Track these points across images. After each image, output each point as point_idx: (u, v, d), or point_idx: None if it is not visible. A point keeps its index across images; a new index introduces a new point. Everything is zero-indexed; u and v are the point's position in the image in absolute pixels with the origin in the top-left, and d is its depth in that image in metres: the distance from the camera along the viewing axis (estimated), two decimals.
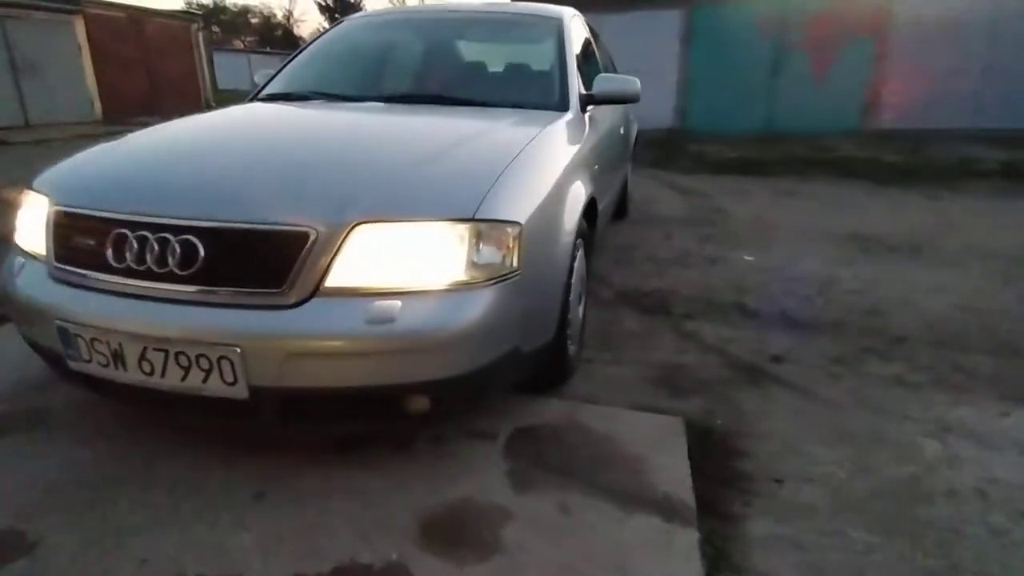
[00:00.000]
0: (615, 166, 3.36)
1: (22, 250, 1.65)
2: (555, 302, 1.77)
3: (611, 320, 2.76)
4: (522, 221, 1.51)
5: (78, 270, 1.47)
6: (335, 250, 1.36)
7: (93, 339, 1.41)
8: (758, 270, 3.48)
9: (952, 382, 2.22)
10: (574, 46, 2.71)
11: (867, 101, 9.95)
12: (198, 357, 1.34)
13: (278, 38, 43.08)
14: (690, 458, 1.69)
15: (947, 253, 3.86)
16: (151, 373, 1.38)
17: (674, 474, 1.60)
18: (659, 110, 11.01)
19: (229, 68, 25.34)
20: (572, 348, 2.08)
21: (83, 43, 10.94)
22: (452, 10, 3.08)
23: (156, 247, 1.38)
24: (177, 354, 1.35)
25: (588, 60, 3.16)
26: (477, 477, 1.57)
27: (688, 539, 1.36)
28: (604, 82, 2.54)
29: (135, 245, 1.40)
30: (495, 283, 1.45)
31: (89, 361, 1.44)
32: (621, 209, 4.63)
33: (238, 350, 1.31)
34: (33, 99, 10.10)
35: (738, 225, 4.65)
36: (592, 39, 3.72)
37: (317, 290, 1.36)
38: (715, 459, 1.73)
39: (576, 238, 1.91)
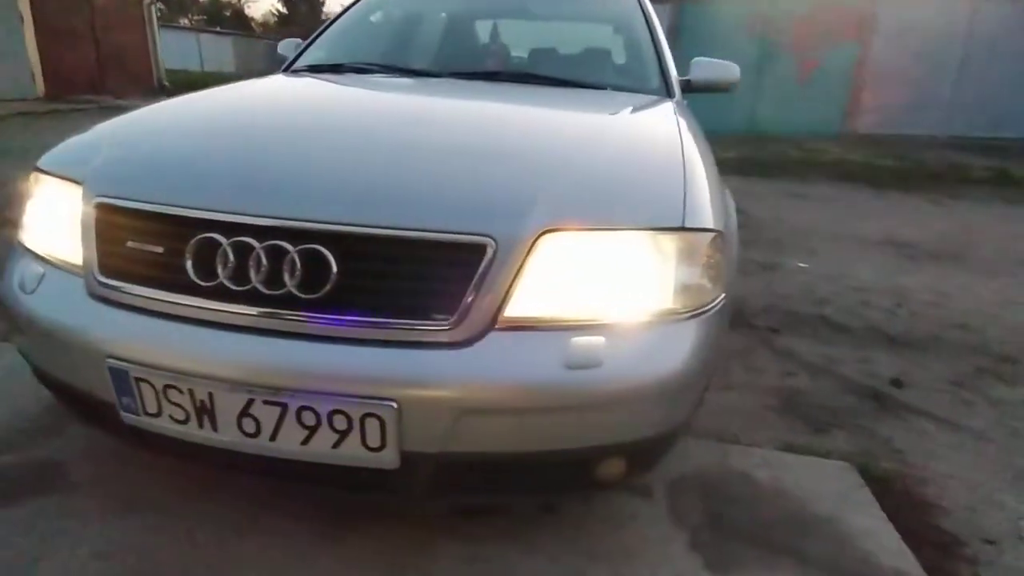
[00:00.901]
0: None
1: (38, 256, 1.20)
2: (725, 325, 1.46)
3: None
4: (722, 229, 1.18)
5: (139, 289, 1.04)
6: (518, 267, 1.00)
7: (167, 386, 0.99)
8: (819, 278, 3.27)
9: None
10: (656, 17, 2.39)
11: (849, 104, 10.08)
12: (332, 414, 0.95)
13: (227, 18, 40.91)
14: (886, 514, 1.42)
15: (989, 261, 3.77)
16: (255, 434, 0.99)
17: (884, 541, 1.31)
18: None
19: (176, 47, 23.74)
20: None
21: (26, 13, 9.83)
22: None
23: (265, 260, 0.98)
24: (300, 410, 0.96)
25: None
26: (656, 550, 1.24)
27: None
28: (702, 67, 2.24)
29: (232, 256, 0.99)
30: (703, 312, 1.12)
31: (157, 415, 1.03)
32: None
33: (394, 405, 0.94)
34: None
35: (767, 228, 4.45)
36: None
37: (495, 322, 0.99)
38: (911, 515, 1.45)
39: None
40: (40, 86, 10.28)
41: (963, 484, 1.60)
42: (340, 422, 0.96)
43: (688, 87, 2.20)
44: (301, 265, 0.97)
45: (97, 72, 11.51)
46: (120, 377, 1.02)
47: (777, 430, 1.81)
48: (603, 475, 1.09)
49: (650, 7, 2.42)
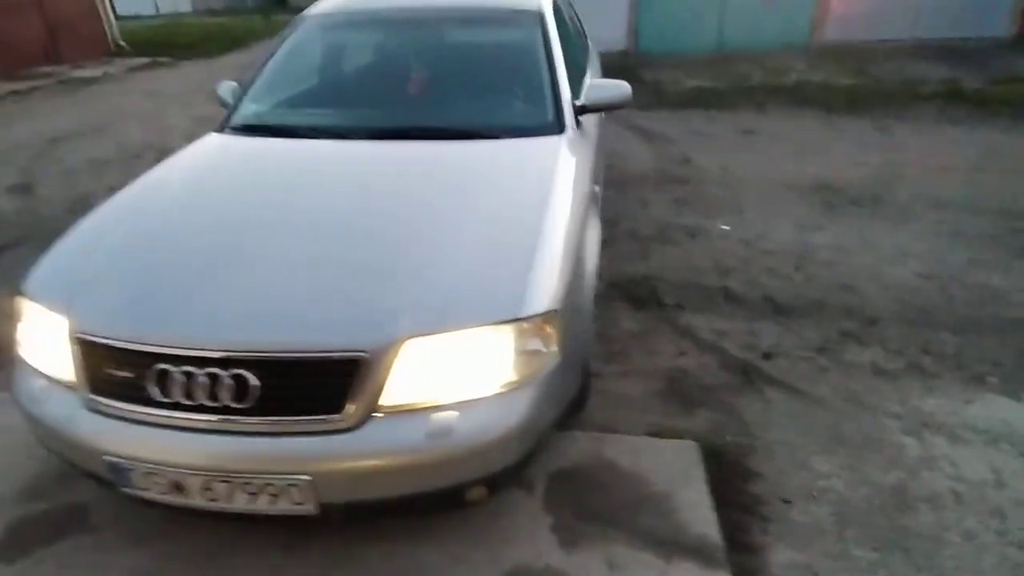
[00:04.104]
0: (604, 148, 3.34)
1: (38, 372, 1.59)
2: (584, 356, 1.86)
3: (609, 320, 2.86)
4: (559, 307, 1.55)
5: (120, 404, 1.44)
6: (387, 369, 1.39)
7: (148, 473, 1.42)
8: (737, 243, 3.61)
9: (922, 366, 2.46)
10: (558, 40, 2.61)
11: (816, 13, 9.89)
12: (265, 485, 1.38)
13: None
14: (711, 486, 1.88)
15: (903, 205, 4.08)
16: (215, 500, 1.42)
17: (701, 511, 1.78)
18: (612, 31, 10.63)
19: None
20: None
21: None
22: (419, 6, 2.85)
23: (206, 382, 1.37)
24: (244, 483, 1.39)
25: (563, 35, 3.04)
26: (527, 537, 1.71)
27: None
28: (595, 89, 2.50)
29: (181, 381, 1.38)
30: (540, 375, 1.51)
31: (146, 489, 1.46)
32: None
33: (307, 478, 1.36)
34: None
35: (708, 181, 4.72)
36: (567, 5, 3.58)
37: (374, 410, 1.40)
38: (732, 484, 1.92)
39: (596, 281, 1.97)
40: None
41: (785, 450, 2.06)
42: (272, 490, 1.39)
43: (583, 111, 2.47)
44: (232, 384, 1.37)
45: (48, 40, 11.22)
46: (114, 467, 1.44)
47: (655, 414, 2.25)
48: (470, 498, 1.53)
49: (552, 30, 2.62)
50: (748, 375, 2.46)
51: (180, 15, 23.29)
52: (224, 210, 1.90)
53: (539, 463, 1.92)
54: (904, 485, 1.90)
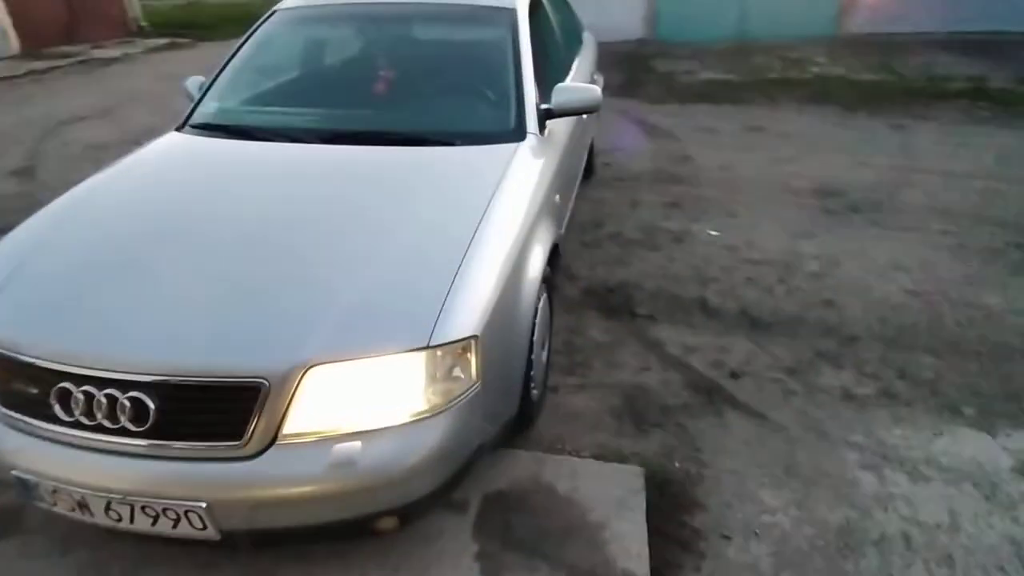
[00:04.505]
0: (580, 151, 3.25)
1: None
2: (518, 378, 1.80)
3: (577, 328, 2.80)
4: (479, 333, 1.49)
5: (26, 419, 1.43)
6: (289, 396, 1.35)
7: (54, 490, 1.41)
8: (723, 249, 3.49)
9: (894, 392, 2.35)
10: (528, 41, 2.51)
11: (843, 4, 9.51)
12: (164, 510, 1.36)
13: None
14: (650, 518, 1.81)
15: (906, 212, 3.91)
16: (119, 520, 1.41)
17: (632, 544, 1.72)
18: (627, 18, 10.39)
19: None
20: (535, 393, 2.14)
21: None
22: (390, 1, 2.77)
23: (104, 402, 1.35)
24: (143, 506, 1.37)
25: (544, 31, 2.95)
26: (450, 566, 1.67)
27: None
28: (563, 93, 2.40)
29: (81, 399, 1.36)
30: (455, 403, 1.46)
31: (55, 505, 1.45)
32: (588, 169, 4.52)
33: (203, 504, 1.34)
34: None
35: (705, 181, 4.58)
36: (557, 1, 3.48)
37: (276, 439, 1.36)
38: (672, 516, 1.85)
39: (538, 298, 1.91)
40: (14, 43, 10.29)
41: (734, 480, 1.98)
42: (171, 515, 1.37)
43: (549, 115, 2.39)
44: (129, 406, 1.34)
45: (70, 20, 11.37)
46: (23, 482, 1.44)
47: (606, 433, 2.18)
48: (380, 528, 1.49)
49: (523, 30, 2.53)
50: (711, 395, 2.38)
51: None
52: (152, 220, 1.86)
53: (475, 482, 1.89)
54: (852, 526, 1.81)
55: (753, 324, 2.81)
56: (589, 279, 3.22)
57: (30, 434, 1.44)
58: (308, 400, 1.37)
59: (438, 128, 2.23)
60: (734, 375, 2.48)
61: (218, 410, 1.36)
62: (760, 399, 2.34)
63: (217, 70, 2.65)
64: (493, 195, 1.87)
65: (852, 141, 5.39)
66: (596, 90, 2.44)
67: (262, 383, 1.33)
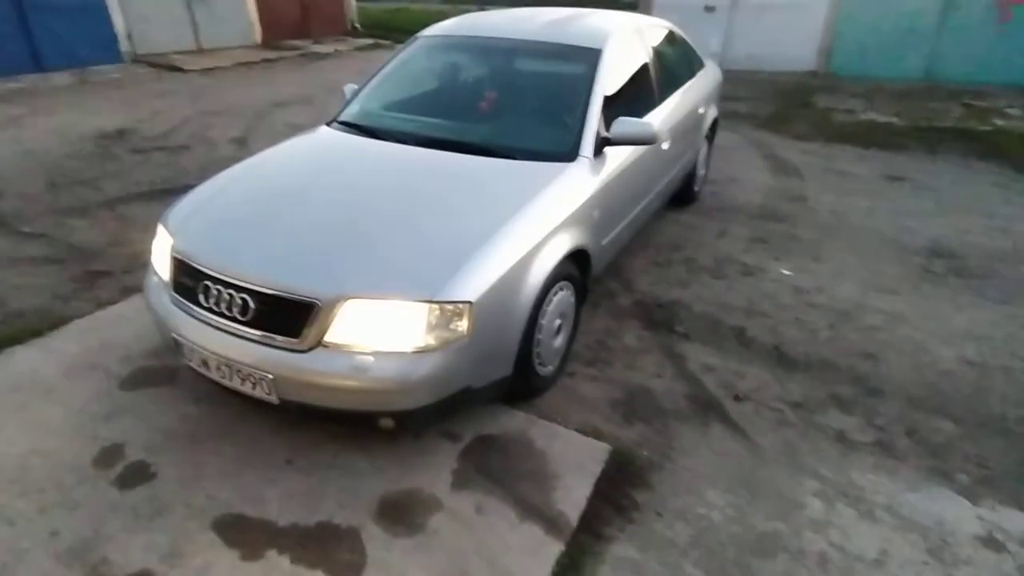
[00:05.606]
0: (656, 177, 3.58)
1: (156, 272, 2.45)
2: (512, 347, 2.27)
3: (615, 332, 3.16)
4: (473, 300, 2.00)
5: (185, 302, 2.22)
6: (332, 316, 1.97)
7: (191, 349, 2.18)
8: (787, 289, 3.59)
9: (893, 446, 2.41)
10: (608, 80, 2.95)
11: None
12: (248, 375, 2.06)
13: None
14: (599, 483, 2.18)
15: (1015, 284, 3.65)
16: (224, 377, 2.14)
17: (575, 495, 2.11)
18: (801, 49, 10.05)
19: None
20: (548, 369, 2.58)
21: None
22: (507, 36, 3.36)
23: (227, 298, 2.08)
24: (236, 370, 2.08)
25: (642, 77, 3.36)
26: (432, 471, 2.19)
27: (553, 550, 1.90)
28: (622, 125, 2.80)
29: (215, 293, 2.11)
30: (448, 347, 1.99)
31: (191, 361, 2.23)
32: (686, 195, 4.76)
33: (270, 376, 2.01)
34: (204, 25, 11.63)
35: (806, 223, 4.58)
36: (665, 42, 3.85)
37: (320, 343, 1.99)
38: (621, 488, 2.19)
39: (546, 289, 2.35)
40: (257, 34, 12.75)
41: (689, 477, 2.25)
42: (252, 379, 2.06)
43: (607, 143, 2.81)
44: (240, 303, 2.06)
45: (301, 19, 13.73)
46: (177, 343, 2.23)
47: (598, 416, 2.55)
48: (382, 424, 2.06)
49: (604, 69, 2.97)
50: (707, 409, 2.62)
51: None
52: (288, 185, 2.63)
53: (473, 423, 2.40)
54: (778, 536, 2.01)
55: (780, 359, 2.96)
56: (645, 294, 3.53)
57: (186, 312, 2.22)
58: (345, 321, 1.98)
59: (505, 144, 2.76)
60: (737, 397, 2.69)
61: (288, 315, 2.02)
62: (751, 422, 2.54)
63: (366, 79, 3.44)
64: (529, 201, 2.36)
65: (1000, 203, 4.96)
66: (651, 126, 2.79)
67: (316, 303, 1.97)
